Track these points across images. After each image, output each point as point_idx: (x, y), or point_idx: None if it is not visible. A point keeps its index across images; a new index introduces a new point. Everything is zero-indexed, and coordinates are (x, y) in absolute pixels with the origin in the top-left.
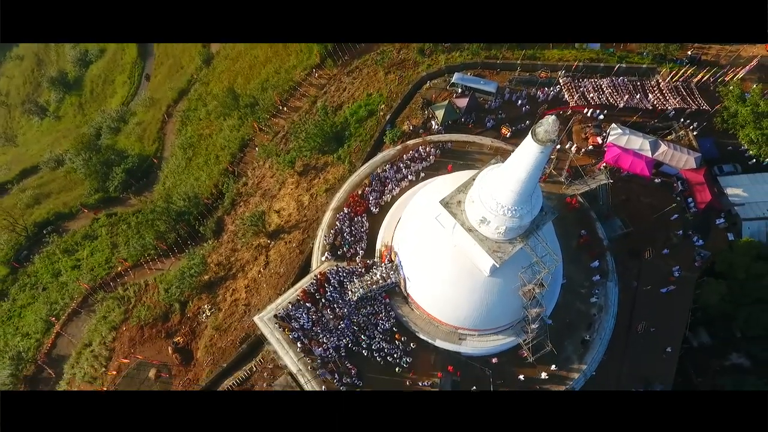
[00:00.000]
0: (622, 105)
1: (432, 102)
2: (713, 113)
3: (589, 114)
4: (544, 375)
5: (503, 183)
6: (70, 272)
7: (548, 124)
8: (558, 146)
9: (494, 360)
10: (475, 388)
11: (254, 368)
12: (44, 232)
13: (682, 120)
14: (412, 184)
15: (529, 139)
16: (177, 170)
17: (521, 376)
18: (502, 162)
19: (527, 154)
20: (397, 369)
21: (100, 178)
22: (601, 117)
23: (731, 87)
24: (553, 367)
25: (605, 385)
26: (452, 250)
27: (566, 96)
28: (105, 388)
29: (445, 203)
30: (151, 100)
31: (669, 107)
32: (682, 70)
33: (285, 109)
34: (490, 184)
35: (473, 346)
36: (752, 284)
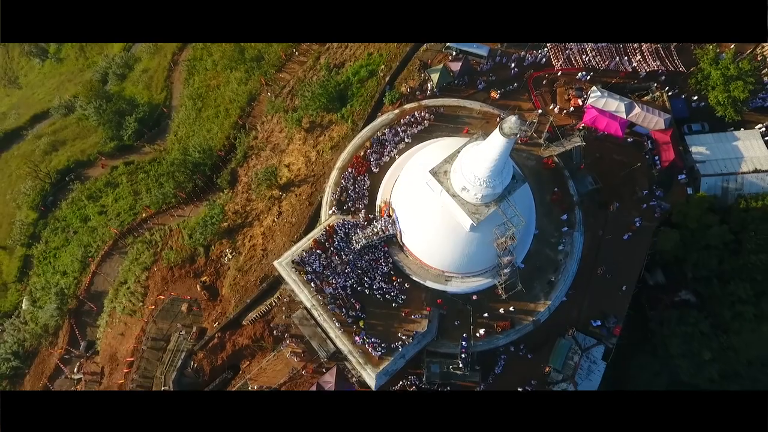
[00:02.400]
0: (604, 67)
1: (428, 65)
2: (688, 74)
3: (578, 76)
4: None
5: (479, 160)
6: (97, 217)
7: (512, 122)
8: (540, 111)
9: (474, 297)
10: (458, 322)
11: (274, 303)
12: (66, 179)
13: (655, 84)
14: (408, 146)
15: (497, 132)
16: (188, 121)
17: (486, 314)
18: (483, 139)
19: (496, 143)
20: (393, 304)
21: (113, 126)
22: (587, 78)
23: (709, 47)
24: (512, 309)
25: (570, 316)
26: (440, 209)
27: (552, 59)
28: (145, 320)
29: (434, 172)
30: (155, 47)
31: (646, 69)
32: None
33: (297, 53)
34: (470, 159)
35: (457, 286)
36: (702, 232)
